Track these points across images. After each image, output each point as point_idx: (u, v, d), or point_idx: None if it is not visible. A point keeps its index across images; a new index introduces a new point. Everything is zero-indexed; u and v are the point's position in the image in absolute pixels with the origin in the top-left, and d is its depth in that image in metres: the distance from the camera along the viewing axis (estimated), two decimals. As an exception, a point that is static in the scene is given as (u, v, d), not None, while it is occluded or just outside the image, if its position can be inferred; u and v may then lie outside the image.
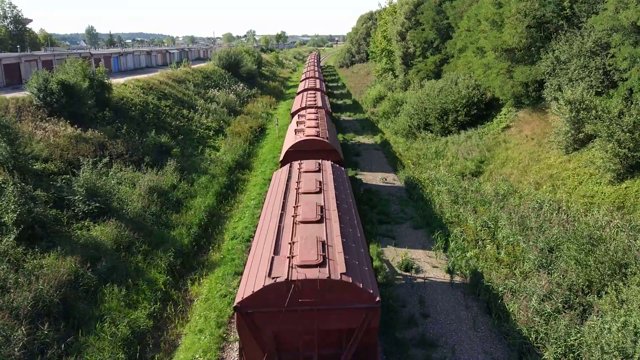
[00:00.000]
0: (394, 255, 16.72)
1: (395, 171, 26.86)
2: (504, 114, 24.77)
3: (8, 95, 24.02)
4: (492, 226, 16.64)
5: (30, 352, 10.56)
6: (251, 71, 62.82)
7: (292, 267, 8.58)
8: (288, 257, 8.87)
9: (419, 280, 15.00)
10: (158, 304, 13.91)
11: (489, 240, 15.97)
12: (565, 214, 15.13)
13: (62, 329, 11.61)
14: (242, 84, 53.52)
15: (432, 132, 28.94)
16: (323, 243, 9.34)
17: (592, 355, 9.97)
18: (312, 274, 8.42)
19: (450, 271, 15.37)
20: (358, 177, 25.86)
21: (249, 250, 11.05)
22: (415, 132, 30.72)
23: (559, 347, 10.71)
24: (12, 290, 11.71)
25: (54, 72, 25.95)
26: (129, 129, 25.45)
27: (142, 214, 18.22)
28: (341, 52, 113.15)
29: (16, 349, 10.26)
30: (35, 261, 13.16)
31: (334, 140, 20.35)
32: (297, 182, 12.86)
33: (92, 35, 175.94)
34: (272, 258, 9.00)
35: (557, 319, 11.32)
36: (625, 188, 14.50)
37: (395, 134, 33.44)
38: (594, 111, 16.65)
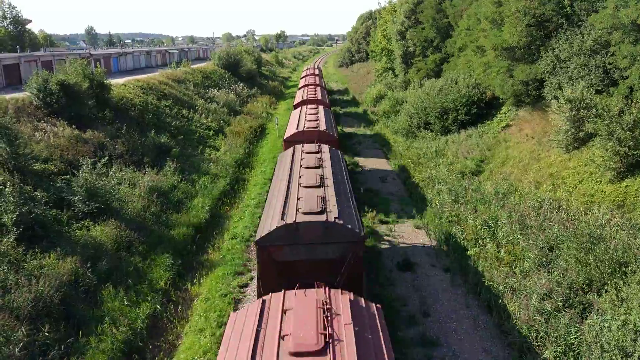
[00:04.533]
0: (393, 253, 16.74)
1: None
2: (504, 113, 24.75)
3: (8, 96, 23.98)
4: (492, 225, 16.61)
5: (30, 353, 10.57)
6: (251, 71, 62.68)
7: (298, 214, 11.21)
8: (295, 208, 11.48)
9: (419, 279, 15.01)
10: (158, 304, 13.92)
11: (489, 239, 15.96)
12: (565, 212, 15.11)
13: (62, 329, 11.62)
14: (241, 84, 53.40)
15: (432, 131, 28.90)
16: (322, 199, 11.93)
17: (592, 354, 9.97)
18: (313, 218, 11.05)
19: (449, 269, 15.38)
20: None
21: (264, 206, 13.97)
22: (415, 131, 30.67)
23: (559, 345, 10.72)
24: (12, 291, 11.72)
25: (54, 72, 25.93)
26: (128, 129, 25.44)
27: (142, 214, 18.23)
28: (341, 51, 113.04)
29: (16, 350, 10.27)
30: (35, 262, 13.17)
31: (331, 128, 23.07)
32: (300, 160, 15.45)
33: (91, 36, 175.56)
34: (283, 208, 11.68)
35: (557, 318, 11.32)
36: (625, 187, 14.49)
37: (395, 133, 33.41)
38: (594, 110, 16.62)
